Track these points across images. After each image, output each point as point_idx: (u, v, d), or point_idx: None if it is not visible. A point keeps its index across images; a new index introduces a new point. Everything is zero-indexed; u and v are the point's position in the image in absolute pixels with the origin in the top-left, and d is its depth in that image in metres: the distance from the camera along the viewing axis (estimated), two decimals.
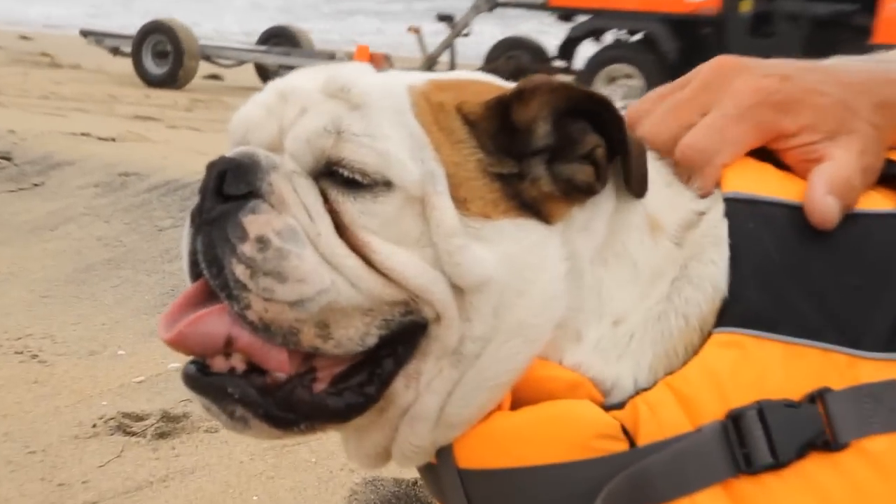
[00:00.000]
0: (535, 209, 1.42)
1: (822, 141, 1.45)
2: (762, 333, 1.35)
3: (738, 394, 1.33)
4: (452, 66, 14.70)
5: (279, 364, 1.39)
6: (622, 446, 1.33)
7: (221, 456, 3.52)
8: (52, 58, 15.14)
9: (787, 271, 1.38)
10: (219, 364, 1.40)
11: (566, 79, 1.54)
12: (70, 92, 11.77)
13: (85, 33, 15.45)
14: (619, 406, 1.36)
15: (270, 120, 1.47)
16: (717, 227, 1.42)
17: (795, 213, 1.42)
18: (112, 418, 3.78)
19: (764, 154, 1.50)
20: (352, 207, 1.40)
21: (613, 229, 1.44)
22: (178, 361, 4.25)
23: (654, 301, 1.41)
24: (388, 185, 1.40)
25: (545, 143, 1.43)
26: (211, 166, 1.44)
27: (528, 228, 1.41)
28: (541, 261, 1.40)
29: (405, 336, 1.42)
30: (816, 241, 1.40)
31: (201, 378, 1.41)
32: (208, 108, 11.14)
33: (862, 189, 1.44)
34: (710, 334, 1.37)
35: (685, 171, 1.48)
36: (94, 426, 3.77)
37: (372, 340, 1.40)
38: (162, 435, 3.68)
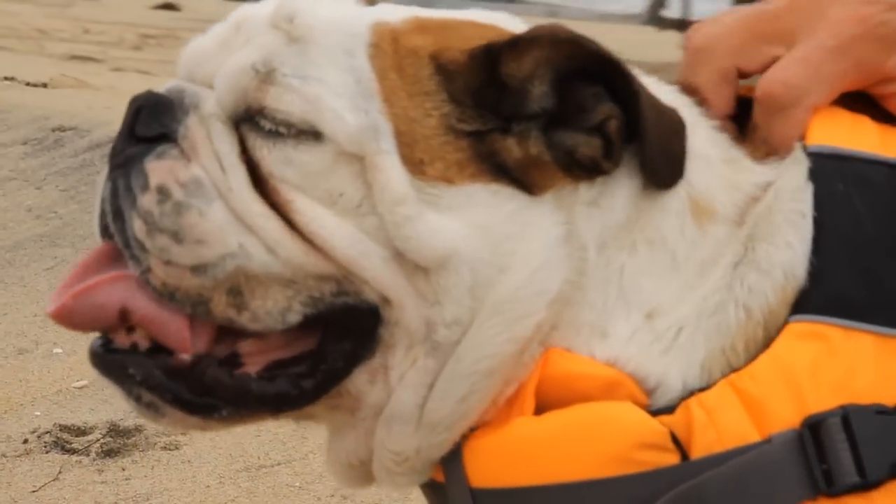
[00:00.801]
0: (515, 175, 1.43)
1: None
2: (851, 323, 1.36)
3: (818, 396, 1.34)
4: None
5: (179, 342, 1.43)
6: (672, 459, 1.34)
7: (183, 479, 3.55)
8: None
9: (885, 246, 1.39)
10: (121, 340, 1.45)
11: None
12: None
13: None
14: (668, 410, 1.36)
15: (220, 53, 1.50)
16: (794, 198, 1.43)
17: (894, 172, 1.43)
18: (48, 432, 3.81)
19: (858, 101, 1.51)
20: (269, 156, 1.44)
21: (642, 211, 1.45)
22: None
23: (710, 290, 1.42)
24: (316, 135, 1.43)
25: (541, 106, 1.43)
26: (132, 102, 1.49)
27: (504, 195, 1.43)
28: (522, 229, 1.42)
29: (354, 325, 1.45)
30: None
31: (104, 355, 1.45)
32: (161, 45, 11.17)
33: None
34: (779, 330, 1.37)
35: (764, 112, 1.49)
36: (26, 441, 3.80)
37: (294, 318, 1.43)
38: (109, 453, 3.71)
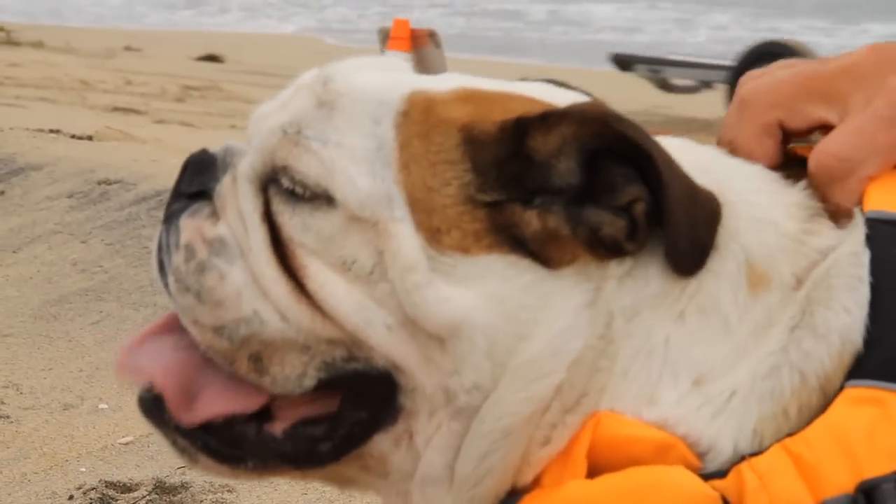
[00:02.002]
0: (531, 248, 1.44)
1: None
2: None
3: (873, 461, 1.33)
4: None
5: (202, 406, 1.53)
6: None
7: None
8: (8, 33, 15.29)
9: None
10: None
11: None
12: (32, 76, 11.87)
13: (622, 61, 15.43)
14: (720, 474, 1.36)
15: (278, 113, 1.56)
16: (852, 263, 1.43)
17: None
18: (93, 488, 3.81)
19: None
20: (290, 220, 1.48)
21: (689, 281, 1.45)
22: None
23: (766, 353, 1.41)
24: (329, 200, 1.47)
25: (567, 182, 1.44)
26: (187, 159, 1.57)
27: (521, 267, 1.44)
28: (539, 300, 1.44)
29: (369, 392, 1.49)
30: None
31: (148, 400, 1.55)
32: (204, 97, 11.24)
33: None
34: (835, 395, 1.37)
35: (818, 183, 1.49)
36: (71, 498, 3.80)
37: (310, 383, 1.49)
38: None
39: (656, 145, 1.42)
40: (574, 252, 1.44)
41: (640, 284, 1.44)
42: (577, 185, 1.44)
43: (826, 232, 1.48)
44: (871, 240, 1.43)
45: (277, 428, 1.52)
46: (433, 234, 1.45)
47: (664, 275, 1.44)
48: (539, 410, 1.43)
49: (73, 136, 7.57)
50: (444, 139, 1.48)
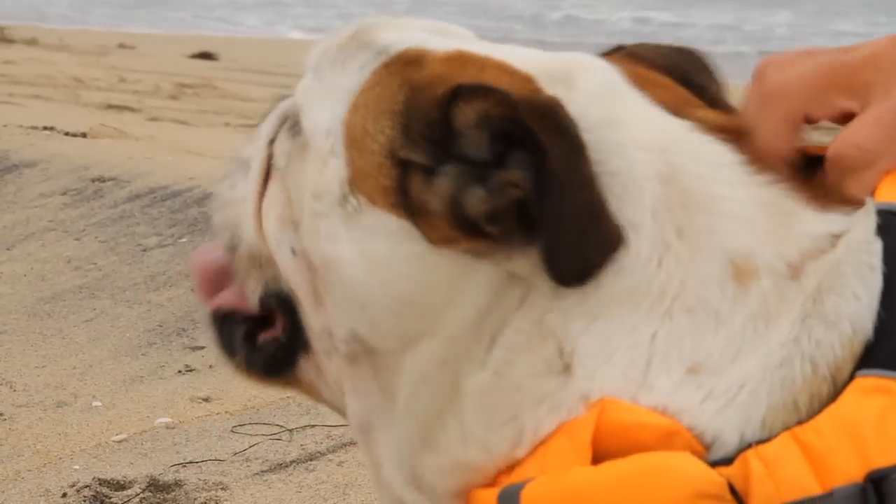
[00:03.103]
0: (416, 217, 1.46)
1: None
2: None
3: (883, 451, 1.33)
4: None
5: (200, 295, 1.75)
6: None
7: None
8: (1, 30, 15.26)
9: None
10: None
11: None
12: (25, 74, 11.85)
13: None
14: (726, 461, 1.36)
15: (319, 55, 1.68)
16: (863, 250, 1.43)
17: None
18: (87, 486, 3.82)
19: None
20: (278, 147, 1.63)
21: (674, 281, 1.44)
22: (169, 416, 4.30)
23: (778, 344, 1.41)
24: (298, 127, 1.59)
25: (473, 155, 1.43)
26: None
27: (411, 235, 1.47)
28: (423, 275, 1.47)
29: (289, 318, 1.64)
30: None
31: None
32: (198, 94, 11.21)
33: None
34: (845, 385, 1.37)
35: (835, 171, 1.49)
36: (65, 496, 3.81)
37: (254, 299, 1.66)
38: None
39: (566, 143, 1.40)
40: (439, 227, 1.45)
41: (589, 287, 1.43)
42: (483, 161, 1.43)
43: (811, 216, 1.47)
44: (882, 230, 1.43)
45: (249, 337, 1.68)
46: (355, 175, 1.50)
47: (627, 281, 1.44)
48: (434, 384, 1.49)
49: (66, 134, 7.57)
50: (394, 91, 1.51)
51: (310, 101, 1.59)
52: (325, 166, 1.53)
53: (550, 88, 1.48)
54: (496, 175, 1.42)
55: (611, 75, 1.55)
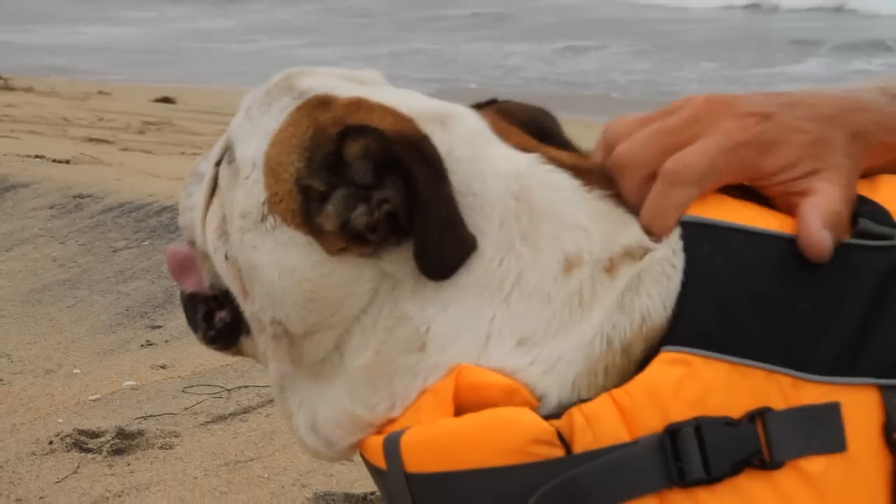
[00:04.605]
0: (315, 232, 1.45)
1: (805, 176, 1.46)
2: (709, 353, 1.35)
3: (678, 409, 1.33)
4: None
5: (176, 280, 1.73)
6: (558, 452, 1.33)
7: (176, 472, 3.53)
8: (5, 80, 14.97)
9: (740, 296, 1.38)
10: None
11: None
12: (23, 114, 11.65)
13: None
14: (556, 416, 1.36)
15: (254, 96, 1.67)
16: (663, 261, 1.42)
17: (751, 238, 1.42)
18: (68, 435, 3.78)
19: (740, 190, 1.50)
20: (221, 169, 1.60)
21: (515, 272, 1.44)
22: (133, 380, 4.26)
23: (589, 326, 1.41)
24: (233, 157, 1.57)
25: (361, 181, 1.43)
26: None
27: (313, 248, 1.46)
28: (322, 278, 1.46)
29: (231, 304, 1.62)
30: (771, 267, 1.41)
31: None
32: (160, 130, 11.06)
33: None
34: (636, 357, 1.38)
35: (665, 184, 1.46)
36: (51, 443, 3.77)
37: (206, 286, 1.65)
38: (117, 451, 3.68)
39: (430, 169, 1.41)
40: (335, 241, 1.45)
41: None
42: (367, 185, 1.43)
43: (634, 226, 1.46)
44: (685, 237, 1.42)
45: (207, 316, 1.68)
46: (272, 199, 1.48)
47: (472, 275, 1.44)
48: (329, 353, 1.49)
49: (54, 161, 7.45)
50: (304, 130, 1.49)
51: (241, 136, 1.57)
52: (249, 191, 1.51)
53: (427, 128, 1.48)
54: (374, 195, 1.42)
55: (478, 122, 1.55)
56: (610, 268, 1.44)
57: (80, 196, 6.40)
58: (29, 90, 15.30)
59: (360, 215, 1.42)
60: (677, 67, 17.87)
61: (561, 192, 1.48)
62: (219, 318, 1.67)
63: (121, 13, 27.51)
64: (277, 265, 1.48)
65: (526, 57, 19.37)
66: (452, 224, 1.41)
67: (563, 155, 1.56)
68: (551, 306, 1.42)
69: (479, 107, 1.66)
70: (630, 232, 1.46)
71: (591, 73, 17.45)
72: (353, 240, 1.44)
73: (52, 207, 6.34)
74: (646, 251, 1.44)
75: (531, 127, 1.64)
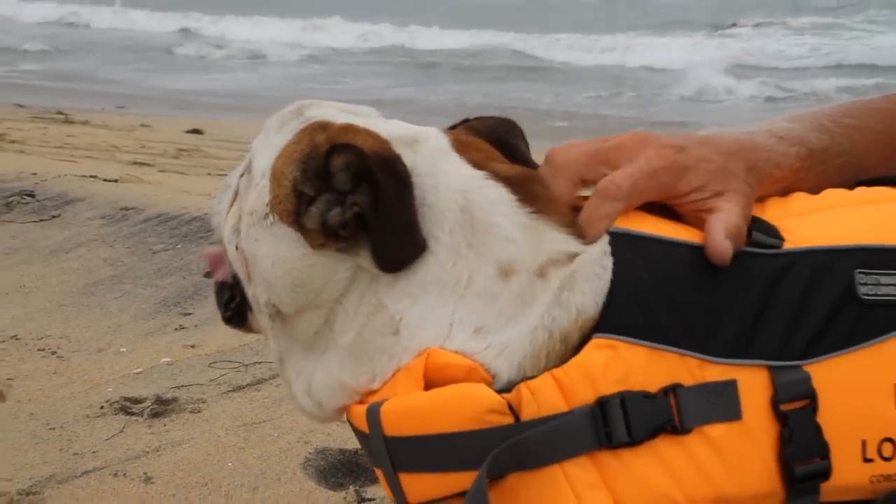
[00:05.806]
0: (302, 229, 1.44)
1: (711, 197, 1.47)
2: (631, 339, 1.36)
3: (607, 385, 1.34)
4: None
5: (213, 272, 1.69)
6: (509, 420, 1.34)
7: (203, 431, 3.52)
8: (66, 116, 14.86)
9: (656, 292, 1.39)
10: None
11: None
12: (81, 142, 11.55)
13: None
14: (507, 391, 1.36)
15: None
16: (593, 264, 1.40)
17: (666, 246, 1.42)
18: (116, 402, 3.76)
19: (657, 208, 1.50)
20: (242, 180, 1.57)
21: (466, 277, 1.42)
22: (169, 357, 4.24)
23: (532, 318, 1.40)
24: (250, 168, 1.55)
25: (339, 187, 1.42)
26: None
27: (300, 243, 1.45)
28: (308, 268, 1.44)
29: (239, 287, 1.60)
30: (682, 270, 1.41)
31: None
32: (191, 156, 10.98)
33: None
34: (573, 344, 1.37)
35: (598, 199, 1.45)
36: (102, 408, 3.75)
37: (228, 275, 1.61)
38: (155, 415, 3.67)
39: (396, 180, 1.40)
40: (317, 237, 1.44)
41: (403, 274, 1.42)
42: (345, 191, 1.42)
43: (558, 236, 1.45)
44: (612, 244, 1.42)
45: (228, 301, 1.64)
46: (273, 201, 1.47)
47: (432, 275, 1.42)
48: (315, 334, 1.47)
49: (105, 180, 7.39)
50: (303, 147, 1.48)
51: (258, 151, 1.55)
52: (258, 194, 1.50)
53: (398, 148, 1.46)
54: (349, 199, 1.41)
55: (440, 142, 1.52)
56: (541, 273, 1.43)
57: (126, 208, 6.37)
58: (85, 123, 15.16)
59: (335, 215, 1.41)
60: None
61: (497, 205, 1.46)
62: (234, 302, 1.66)
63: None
64: (272, 255, 1.47)
65: None
66: (406, 228, 1.40)
67: (510, 169, 1.52)
68: (499, 303, 1.42)
69: (454, 126, 1.65)
70: (553, 241, 1.44)
71: None
72: (330, 237, 1.43)
73: (103, 217, 6.31)
74: (572, 255, 1.43)
75: (491, 138, 1.61)
